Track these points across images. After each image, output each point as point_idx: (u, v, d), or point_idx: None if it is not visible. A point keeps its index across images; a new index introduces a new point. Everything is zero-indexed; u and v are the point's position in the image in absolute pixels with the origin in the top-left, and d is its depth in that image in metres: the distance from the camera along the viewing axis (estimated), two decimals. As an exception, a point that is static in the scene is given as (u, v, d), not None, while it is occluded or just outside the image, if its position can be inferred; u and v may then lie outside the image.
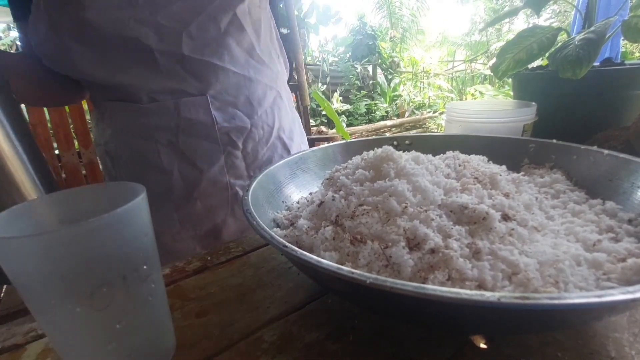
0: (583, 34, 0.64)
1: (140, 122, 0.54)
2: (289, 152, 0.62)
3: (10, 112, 0.43)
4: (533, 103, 0.64)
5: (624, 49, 2.70)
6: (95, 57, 0.50)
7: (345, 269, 0.21)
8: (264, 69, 0.59)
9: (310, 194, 0.43)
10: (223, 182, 0.57)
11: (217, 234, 0.59)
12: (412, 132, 3.06)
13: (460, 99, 5.63)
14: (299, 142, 0.67)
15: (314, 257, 0.23)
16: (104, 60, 0.50)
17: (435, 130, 4.79)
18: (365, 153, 0.40)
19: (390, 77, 6.41)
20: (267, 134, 0.59)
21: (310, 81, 5.57)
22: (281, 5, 1.87)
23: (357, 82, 6.04)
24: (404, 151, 0.40)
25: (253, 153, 0.58)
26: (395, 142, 0.52)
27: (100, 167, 0.64)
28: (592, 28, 0.64)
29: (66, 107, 1.55)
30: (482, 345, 0.26)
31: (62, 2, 0.47)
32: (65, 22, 0.48)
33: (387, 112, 5.73)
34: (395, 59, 6.69)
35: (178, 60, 0.51)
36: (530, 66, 0.75)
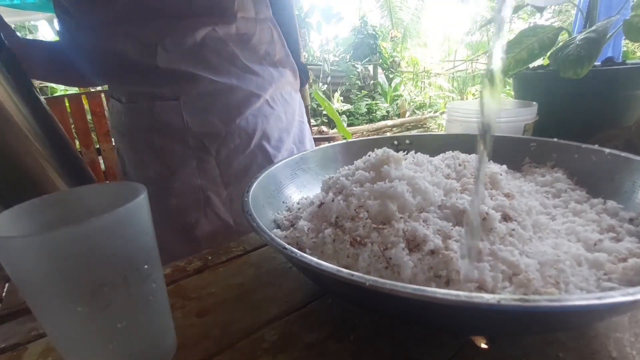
0: (584, 33, 0.63)
1: (122, 119, 0.60)
2: (270, 162, 0.58)
3: (34, 106, 0.46)
4: (534, 103, 0.63)
5: (625, 49, 2.69)
6: (87, 62, 0.58)
7: (345, 271, 0.21)
8: (251, 77, 0.58)
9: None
10: (195, 185, 0.58)
11: (191, 232, 0.60)
12: (413, 132, 3.05)
13: (461, 99, 5.62)
14: (289, 151, 0.64)
15: (314, 259, 0.23)
16: (94, 66, 0.58)
17: (436, 130, 4.78)
18: (366, 157, 0.40)
19: (391, 76, 6.40)
20: (244, 143, 0.58)
21: (311, 81, 5.57)
22: (282, 5, 1.87)
23: (358, 82, 6.03)
24: (404, 151, 0.40)
25: (227, 160, 0.58)
26: (395, 142, 0.52)
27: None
28: (594, 27, 0.64)
29: (67, 108, 1.55)
30: (483, 346, 0.26)
31: (64, 22, 0.56)
32: (67, 34, 0.57)
33: (387, 112, 5.72)
34: (396, 59, 6.68)
35: (154, 70, 0.53)
36: (531, 66, 0.75)
